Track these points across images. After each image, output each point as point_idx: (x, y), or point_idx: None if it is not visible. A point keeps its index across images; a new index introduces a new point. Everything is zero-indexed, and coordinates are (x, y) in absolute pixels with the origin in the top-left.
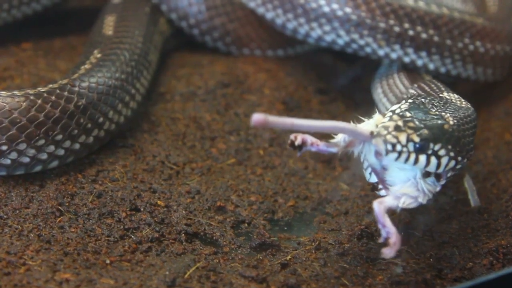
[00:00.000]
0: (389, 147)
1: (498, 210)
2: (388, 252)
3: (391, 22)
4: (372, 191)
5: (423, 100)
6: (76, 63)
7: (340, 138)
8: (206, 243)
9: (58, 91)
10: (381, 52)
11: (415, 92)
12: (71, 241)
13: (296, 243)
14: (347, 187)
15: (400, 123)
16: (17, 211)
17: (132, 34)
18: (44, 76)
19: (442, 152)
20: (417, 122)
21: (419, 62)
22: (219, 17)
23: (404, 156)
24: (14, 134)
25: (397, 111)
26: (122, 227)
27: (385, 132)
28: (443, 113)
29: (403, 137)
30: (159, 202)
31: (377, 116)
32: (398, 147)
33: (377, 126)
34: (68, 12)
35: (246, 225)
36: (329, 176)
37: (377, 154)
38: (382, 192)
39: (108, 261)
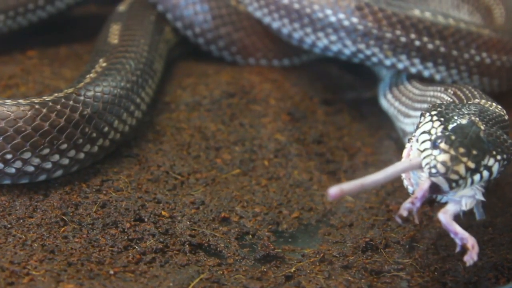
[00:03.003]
0: (453, 184)
1: (504, 223)
2: (469, 258)
3: (398, 32)
4: (431, 204)
5: (448, 110)
6: (82, 72)
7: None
8: (210, 255)
9: (63, 100)
10: (387, 62)
11: (435, 103)
12: (75, 251)
13: (301, 255)
14: (352, 199)
15: (452, 152)
16: (21, 221)
17: (137, 43)
18: (49, 84)
19: (491, 162)
20: (464, 144)
21: (426, 73)
22: (225, 26)
23: (463, 185)
24: (19, 143)
25: (434, 132)
26: (126, 237)
27: (444, 169)
28: (472, 118)
29: (462, 170)
30: (163, 212)
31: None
32: (461, 181)
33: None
34: (73, 20)
35: (250, 236)
36: None
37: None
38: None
39: (111, 272)
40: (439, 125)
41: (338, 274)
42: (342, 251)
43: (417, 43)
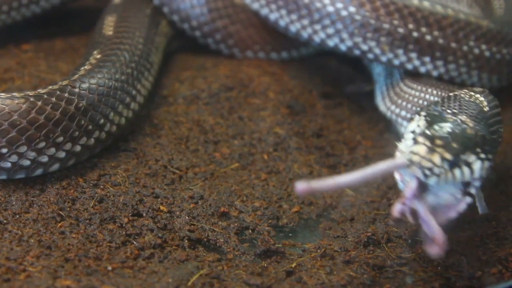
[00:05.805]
0: (427, 172)
1: (507, 217)
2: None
3: (395, 22)
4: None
5: (436, 109)
6: (77, 64)
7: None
8: (209, 250)
9: (58, 92)
10: (383, 58)
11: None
12: (72, 247)
13: (301, 250)
14: (352, 193)
15: (428, 143)
16: (17, 216)
17: (132, 35)
18: (45, 78)
19: (472, 158)
20: (443, 137)
21: (422, 69)
22: (221, 19)
23: (443, 176)
24: (14, 136)
25: (418, 130)
26: (124, 233)
27: (418, 158)
28: (459, 117)
29: (437, 158)
30: (161, 207)
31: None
32: (436, 170)
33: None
34: (69, 13)
35: (250, 231)
36: None
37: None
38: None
39: (110, 268)
40: (424, 124)
41: (340, 269)
42: (344, 245)
43: (415, 34)
